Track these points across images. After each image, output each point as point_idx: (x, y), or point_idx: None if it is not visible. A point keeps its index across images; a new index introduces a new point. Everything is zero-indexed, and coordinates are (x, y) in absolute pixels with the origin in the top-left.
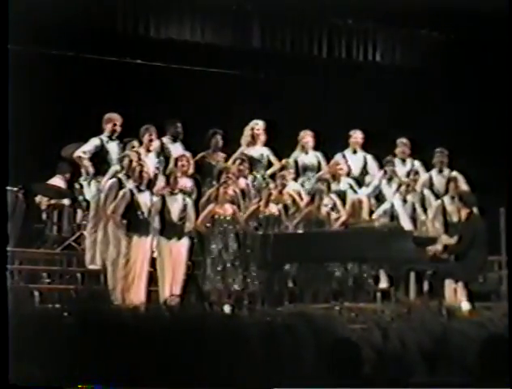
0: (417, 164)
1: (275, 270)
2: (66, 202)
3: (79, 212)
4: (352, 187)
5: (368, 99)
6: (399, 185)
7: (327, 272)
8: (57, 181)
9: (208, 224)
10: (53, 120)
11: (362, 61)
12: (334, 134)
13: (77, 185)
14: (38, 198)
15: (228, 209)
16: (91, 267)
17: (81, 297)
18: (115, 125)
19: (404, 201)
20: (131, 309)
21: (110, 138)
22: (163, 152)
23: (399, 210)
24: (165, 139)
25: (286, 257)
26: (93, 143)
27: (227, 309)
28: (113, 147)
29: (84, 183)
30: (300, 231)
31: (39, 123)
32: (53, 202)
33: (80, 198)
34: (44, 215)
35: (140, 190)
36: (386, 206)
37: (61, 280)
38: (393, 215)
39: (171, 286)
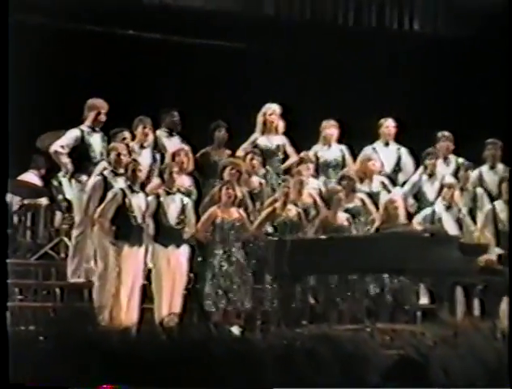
0: (461, 161)
1: (293, 283)
2: (42, 202)
3: (58, 214)
4: (385, 187)
5: (402, 78)
6: (441, 187)
7: (355, 286)
8: (31, 177)
9: (209, 231)
10: (27, 103)
11: (396, 30)
12: (361, 123)
13: (55, 182)
14: (8, 198)
15: (234, 213)
16: (73, 280)
17: (61, 318)
18: (99, 113)
19: (449, 207)
20: (121, 332)
21: (93, 129)
22: (157, 148)
23: (443, 213)
24: (160, 132)
25: (306, 267)
26: (72, 134)
27: (236, 330)
28: (97, 140)
29: (63, 180)
30: (322, 236)
31: (8, 107)
32: (26, 202)
33: (59, 197)
34: (15, 218)
35: (133, 191)
36: (426, 211)
37: (37, 297)
38: (434, 220)
39: (169, 303)
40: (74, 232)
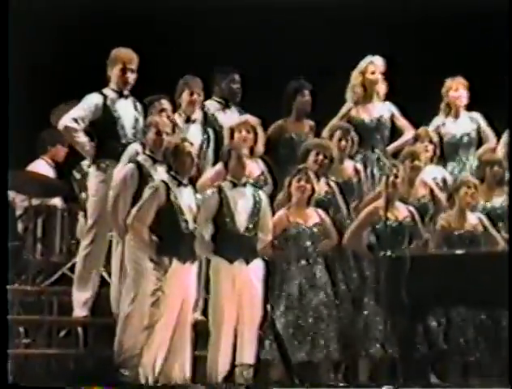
0: None
1: (416, 322)
2: (57, 202)
3: (81, 220)
4: None
5: None
6: None
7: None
8: (42, 166)
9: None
10: (39, 69)
11: None
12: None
13: (77, 175)
14: (11, 197)
15: (312, 215)
16: (83, 313)
17: (85, 369)
18: (127, 69)
19: None
20: None
21: (119, 93)
22: (207, 124)
23: None
24: (211, 103)
25: (434, 299)
26: (90, 102)
27: None
28: (126, 110)
29: (91, 170)
30: (458, 251)
31: (18, 74)
32: (35, 202)
33: (83, 195)
34: (19, 226)
35: (181, 184)
36: None
37: (51, 340)
38: None
39: (233, 347)
40: (83, 242)
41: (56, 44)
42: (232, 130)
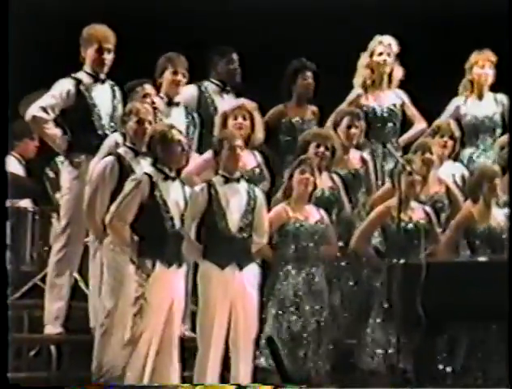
0: None
1: (430, 336)
2: (27, 204)
3: (55, 224)
4: None
5: None
6: None
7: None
8: (11, 163)
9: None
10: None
11: None
12: None
13: (49, 172)
14: None
15: (312, 213)
16: (56, 330)
17: None
18: (103, 49)
19: None
20: None
21: (95, 77)
22: (202, 108)
23: None
24: (208, 84)
25: (450, 310)
26: (61, 88)
27: None
28: (103, 96)
29: (64, 165)
30: (482, 258)
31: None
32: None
33: (56, 195)
34: None
35: (167, 178)
36: None
37: (19, 362)
38: None
39: (233, 365)
40: (55, 246)
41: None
42: (225, 116)
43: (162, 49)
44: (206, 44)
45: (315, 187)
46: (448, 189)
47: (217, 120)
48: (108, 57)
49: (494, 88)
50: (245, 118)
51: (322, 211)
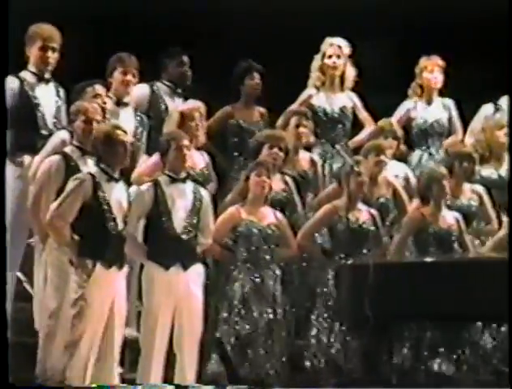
0: None
1: (378, 336)
2: None
3: None
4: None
5: None
6: None
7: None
8: None
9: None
10: None
11: None
12: None
13: None
14: None
15: (267, 215)
16: None
17: None
18: (47, 48)
19: None
20: None
21: (40, 76)
22: (153, 109)
23: None
24: (160, 85)
25: (397, 310)
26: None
27: None
28: (47, 96)
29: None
30: (428, 259)
31: None
32: None
33: None
34: None
35: (111, 178)
36: None
37: None
38: None
39: (178, 367)
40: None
41: None
42: (181, 115)
43: (115, 49)
44: (158, 45)
45: (271, 189)
46: (395, 190)
47: (170, 120)
48: (53, 56)
49: (441, 93)
50: (196, 118)
51: (279, 214)
